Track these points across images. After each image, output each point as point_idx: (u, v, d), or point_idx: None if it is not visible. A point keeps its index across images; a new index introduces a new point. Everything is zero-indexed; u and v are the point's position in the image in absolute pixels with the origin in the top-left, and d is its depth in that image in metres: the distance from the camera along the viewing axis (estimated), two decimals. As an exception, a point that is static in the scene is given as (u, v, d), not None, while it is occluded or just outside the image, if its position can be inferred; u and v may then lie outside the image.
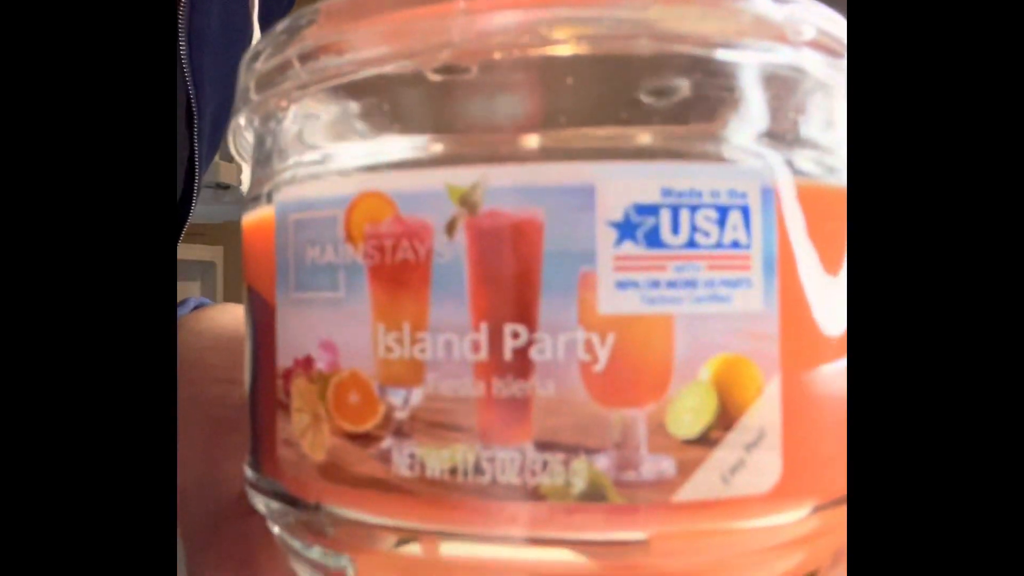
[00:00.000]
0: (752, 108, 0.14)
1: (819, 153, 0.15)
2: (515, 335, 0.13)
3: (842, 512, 0.16)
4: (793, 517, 0.14)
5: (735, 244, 0.13)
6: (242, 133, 0.18)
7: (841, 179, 0.15)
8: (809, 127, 0.15)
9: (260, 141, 0.18)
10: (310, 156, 0.16)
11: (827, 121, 0.15)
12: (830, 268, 0.14)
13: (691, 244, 0.13)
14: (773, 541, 0.14)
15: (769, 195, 0.13)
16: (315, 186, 0.15)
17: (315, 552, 0.16)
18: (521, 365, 0.13)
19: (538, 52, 0.14)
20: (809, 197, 0.14)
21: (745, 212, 0.13)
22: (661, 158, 0.13)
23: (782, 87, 0.14)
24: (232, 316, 0.25)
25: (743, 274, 0.13)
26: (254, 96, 0.17)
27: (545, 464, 0.13)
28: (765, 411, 0.13)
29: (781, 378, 0.13)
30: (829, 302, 0.14)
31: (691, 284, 0.13)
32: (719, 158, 0.13)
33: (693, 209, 0.13)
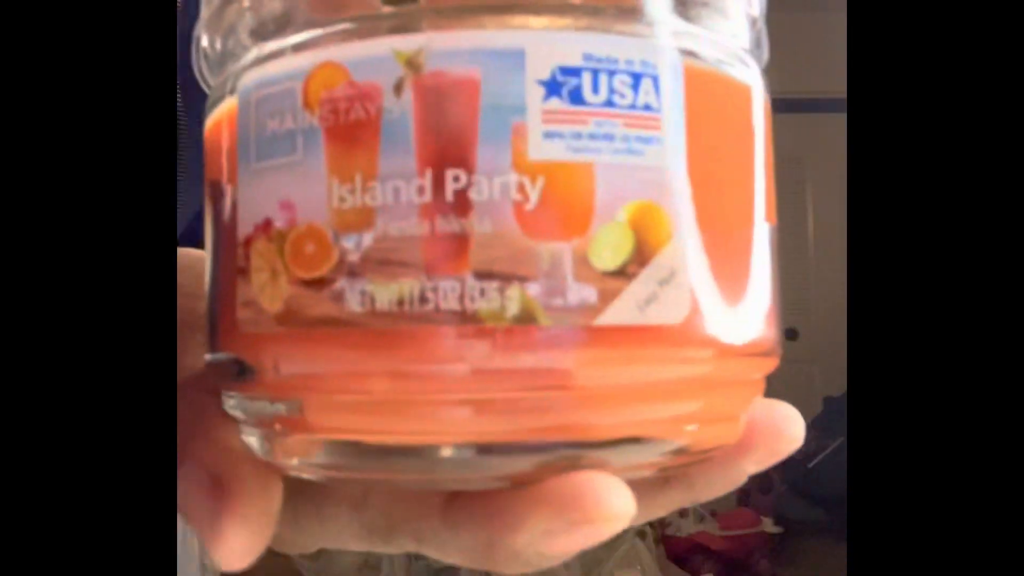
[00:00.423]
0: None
1: (719, 49, 0.17)
2: (456, 179, 0.15)
3: (746, 365, 0.18)
4: (699, 355, 0.16)
5: (647, 107, 0.15)
6: (204, 54, 0.19)
7: (736, 74, 0.17)
8: (712, 16, 0.17)
9: (220, 49, 0.19)
10: (269, 44, 0.17)
11: (724, 14, 0.18)
12: (732, 131, 0.17)
13: (609, 103, 0.15)
14: (681, 374, 0.16)
15: (677, 69, 0.16)
16: (275, 64, 0.16)
17: (264, 405, 0.17)
18: (461, 205, 0.15)
19: None
20: (707, 79, 0.17)
21: (655, 80, 0.16)
22: (584, 29, 0.15)
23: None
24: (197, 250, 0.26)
25: (654, 133, 0.15)
26: (212, 9, 0.18)
27: (482, 291, 0.15)
28: (674, 254, 0.16)
29: (688, 226, 0.16)
30: (732, 158, 0.17)
31: (609, 137, 0.15)
32: (635, 32, 0.15)
33: (611, 73, 0.15)
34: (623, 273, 0.15)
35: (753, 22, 0.19)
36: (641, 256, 0.15)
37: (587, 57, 0.15)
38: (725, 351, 0.17)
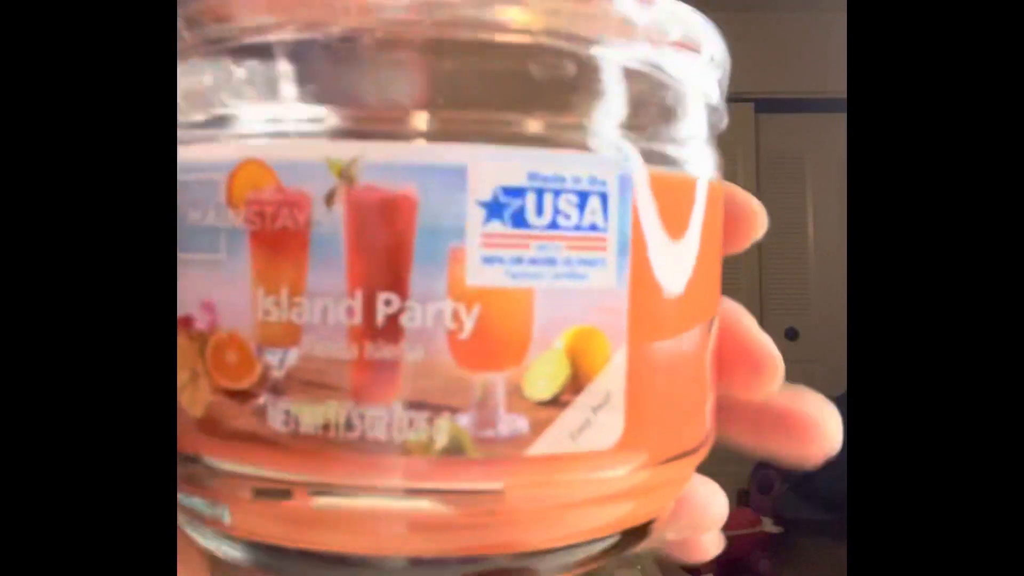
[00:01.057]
0: (614, 102, 0.16)
1: (671, 145, 0.16)
2: (387, 303, 0.14)
3: (677, 467, 0.17)
4: (631, 470, 0.16)
5: (593, 227, 0.15)
6: None
7: (688, 169, 0.17)
8: (665, 121, 0.17)
9: None
10: (196, 118, 0.16)
11: (680, 116, 0.17)
12: (675, 236, 0.16)
13: (553, 225, 0.15)
14: (613, 490, 0.16)
15: (626, 183, 0.15)
16: (199, 149, 0.16)
17: (196, 502, 0.17)
18: (392, 331, 0.14)
19: (422, 35, 0.15)
20: (660, 184, 0.16)
21: (603, 198, 0.15)
22: (530, 144, 0.14)
23: (643, 84, 0.16)
24: None
25: (599, 254, 0.15)
26: None
27: (411, 421, 0.14)
28: (611, 377, 0.15)
29: (627, 347, 0.15)
30: (672, 267, 0.16)
31: (551, 262, 0.15)
32: (583, 147, 0.15)
33: (556, 193, 0.15)
34: (556, 402, 0.15)
35: (712, 111, 0.19)
36: (576, 383, 0.15)
37: (532, 176, 0.14)
38: (659, 459, 0.17)
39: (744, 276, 3.18)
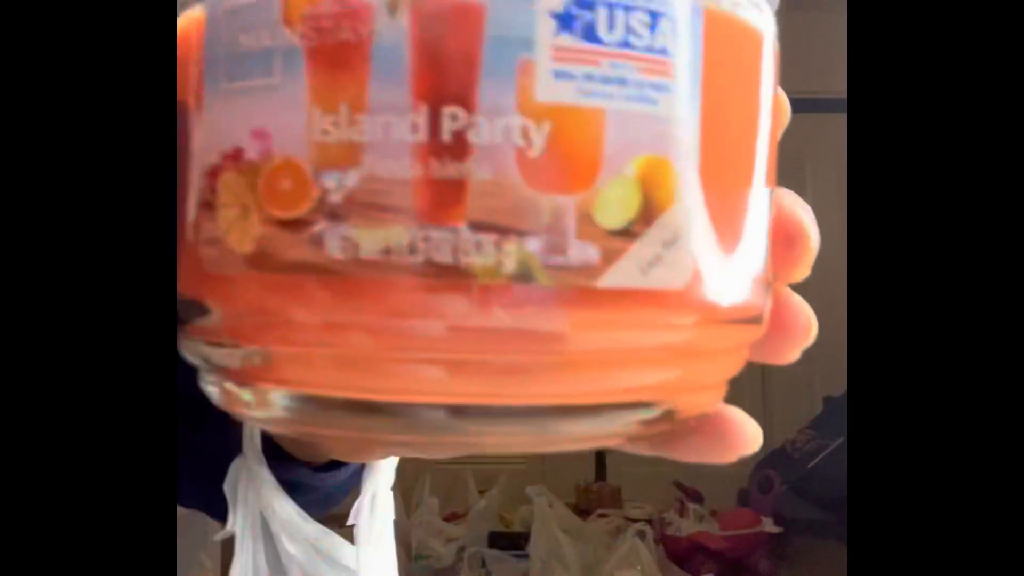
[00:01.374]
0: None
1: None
2: (454, 117, 0.14)
3: (739, 332, 0.17)
4: (696, 320, 0.15)
5: (664, 50, 0.14)
6: None
7: (757, 25, 0.16)
8: None
9: None
10: None
11: None
12: (746, 90, 0.16)
13: (625, 44, 0.14)
14: (678, 339, 0.15)
15: (697, 13, 0.14)
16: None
17: (227, 352, 0.16)
18: (458, 147, 0.14)
19: None
20: (735, 30, 0.15)
21: (674, 22, 0.14)
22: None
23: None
24: None
25: (670, 80, 0.14)
26: None
27: (478, 244, 0.14)
28: (682, 213, 0.14)
29: (695, 186, 0.15)
30: (742, 119, 0.15)
31: (622, 82, 0.14)
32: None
33: (627, 10, 0.14)
34: (628, 232, 0.14)
35: None
36: (647, 215, 0.14)
37: (606, -10, 0.14)
38: (720, 316, 0.16)
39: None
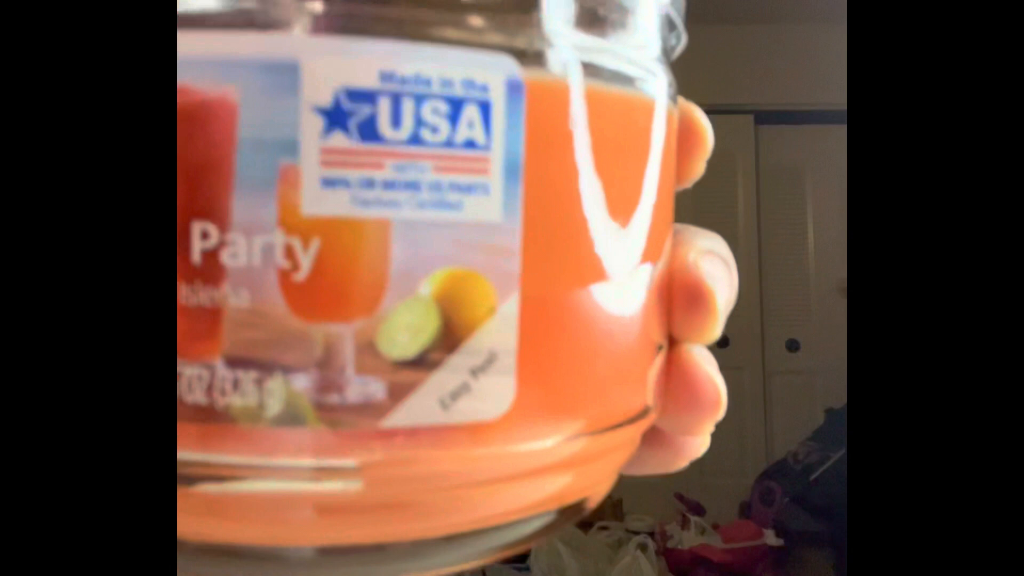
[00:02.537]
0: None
1: (616, 58, 0.13)
2: (204, 235, 0.11)
3: (602, 440, 0.15)
4: (533, 446, 0.13)
5: (470, 144, 0.12)
6: None
7: (640, 88, 0.14)
8: (611, 27, 0.14)
9: None
10: None
11: (630, 23, 0.14)
12: (613, 162, 0.13)
13: (416, 140, 0.12)
14: (508, 471, 0.13)
15: (517, 88, 0.12)
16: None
17: None
18: (211, 270, 0.11)
19: None
20: (597, 99, 0.13)
21: (485, 108, 0.12)
22: (382, 35, 0.11)
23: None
24: None
25: (479, 178, 0.12)
26: None
27: (236, 382, 0.11)
28: (497, 332, 0.12)
29: (521, 296, 0.12)
30: (603, 201, 0.13)
31: (413, 186, 0.12)
32: (456, 41, 0.12)
33: (419, 99, 0.12)
34: (422, 362, 0.12)
35: (669, 25, 0.16)
36: (449, 340, 0.12)
37: (386, 76, 0.11)
38: (574, 431, 0.14)
39: (744, 287, 3.16)
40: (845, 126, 0.20)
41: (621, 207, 0.15)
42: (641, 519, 2.60)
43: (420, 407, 0.12)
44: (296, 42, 0.11)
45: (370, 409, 0.12)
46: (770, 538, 2.38)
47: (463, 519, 0.14)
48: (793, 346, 3.06)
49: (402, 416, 0.12)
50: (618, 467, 0.17)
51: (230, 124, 0.11)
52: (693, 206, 3.12)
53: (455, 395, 0.12)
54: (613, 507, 2.71)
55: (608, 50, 0.14)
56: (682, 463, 0.19)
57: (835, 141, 2.95)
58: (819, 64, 2.94)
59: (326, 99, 0.12)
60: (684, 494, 2.58)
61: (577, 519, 0.16)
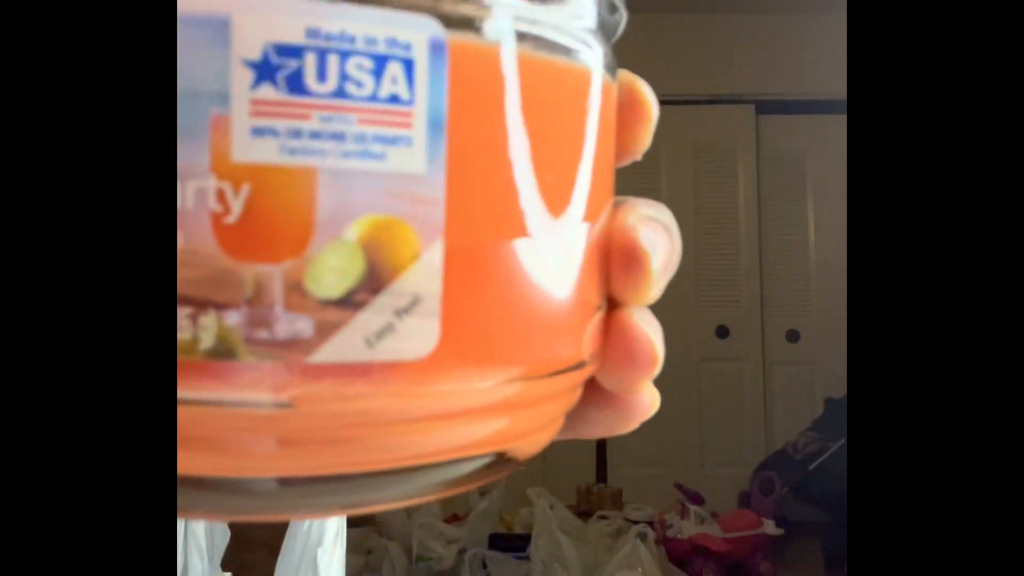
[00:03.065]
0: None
1: (551, 28, 0.14)
2: (141, 179, 0.12)
3: (536, 387, 0.15)
4: (457, 387, 0.14)
5: (394, 98, 0.13)
6: None
7: (575, 59, 0.15)
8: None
9: None
10: None
11: None
12: (546, 126, 0.14)
13: (341, 94, 0.12)
14: (438, 410, 0.14)
15: (439, 49, 0.13)
16: None
17: None
18: (148, 212, 0.12)
19: None
20: (528, 66, 0.14)
21: (408, 65, 0.13)
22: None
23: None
24: None
25: (402, 131, 0.13)
26: None
27: (170, 318, 0.12)
28: (422, 277, 0.13)
29: (445, 243, 0.13)
30: (532, 160, 0.14)
31: (338, 137, 0.12)
32: (383, 3, 0.13)
33: (344, 55, 0.12)
34: (348, 302, 0.13)
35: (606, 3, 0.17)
36: (373, 282, 0.13)
37: (312, 33, 0.12)
38: (505, 376, 0.14)
39: (744, 278, 3.18)
40: (845, 116, 0.20)
41: (551, 168, 0.15)
42: (640, 508, 2.60)
43: (345, 344, 0.13)
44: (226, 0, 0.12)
45: (297, 345, 0.13)
46: (769, 527, 2.39)
47: (399, 455, 0.14)
48: (793, 336, 3.07)
49: (328, 353, 0.13)
50: (555, 420, 0.18)
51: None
52: (694, 195, 3.12)
53: (380, 334, 0.13)
54: (613, 497, 2.72)
55: (540, 19, 0.15)
56: (633, 423, 0.20)
57: (836, 131, 2.95)
58: (820, 54, 2.94)
59: (255, 53, 0.12)
60: (683, 484, 2.59)
61: (514, 468, 0.17)
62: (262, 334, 0.13)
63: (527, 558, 2.28)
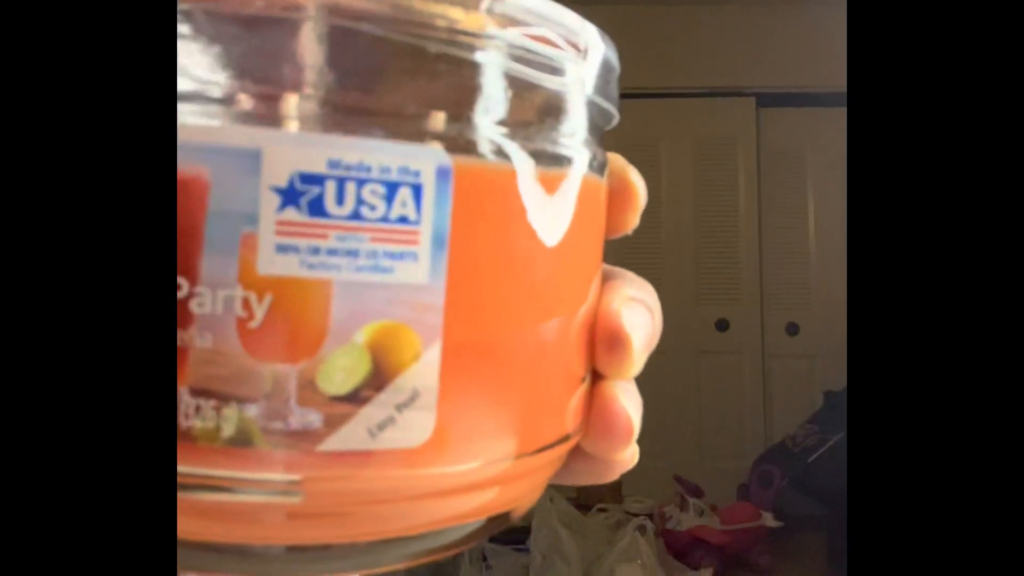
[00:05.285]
0: (440, 87, 0.15)
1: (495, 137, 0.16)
2: (178, 287, 0.14)
3: (524, 463, 0.17)
4: (450, 469, 0.15)
5: (403, 219, 0.14)
6: None
7: (561, 164, 0.17)
8: (543, 119, 0.16)
9: None
10: None
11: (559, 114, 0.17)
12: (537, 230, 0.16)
13: (355, 216, 0.14)
14: (433, 488, 0.15)
15: (445, 174, 0.15)
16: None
17: None
18: (182, 316, 0.14)
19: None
20: (486, 178, 0.16)
21: (416, 190, 0.15)
22: (332, 130, 0.14)
23: (460, 74, 0.15)
24: None
25: (408, 248, 0.14)
26: None
27: (198, 408, 0.14)
28: (421, 374, 0.15)
29: (443, 345, 0.15)
30: (519, 263, 0.16)
31: (352, 253, 0.14)
32: (394, 135, 0.14)
33: (360, 183, 0.14)
34: (354, 398, 0.14)
35: (597, 109, 0.18)
36: (377, 380, 0.15)
37: (333, 164, 0.14)
38: (492, 457, 0.16)
39: (744, 271, 3.19)
40: (846, 109, 0.20)
41: (542, 268, 0.17)
42: (640, 501, 2.62)
43: (351, 435, 0.15)
44: (260, 134, 0.14)
45: (308, 435, 0.15)
46: (768, 520, 2.40)
47: (395, 527, 0.16)
48: (792, 330, 3.09)
49: (335, 442, 0.15)
50: (543, 483, 0.20)
51: (202, 198, 0.14)
52: (693, 188, 3.13)
53: (382, 426, 0.15)
54: (612, 489, 2.73)
55: (531, 137, 0.17)
56: (613, 475, 0.21)
57: (836, 124, 2.94)
58: (821, 47, 2.92)
59: (282, 181, 0.14)
60: (683, 476, 2.61)
61: (507, 526, 0.19)
62: (277, 425, 0.15)
63: (527, 550, 2.29)
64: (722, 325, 3.05)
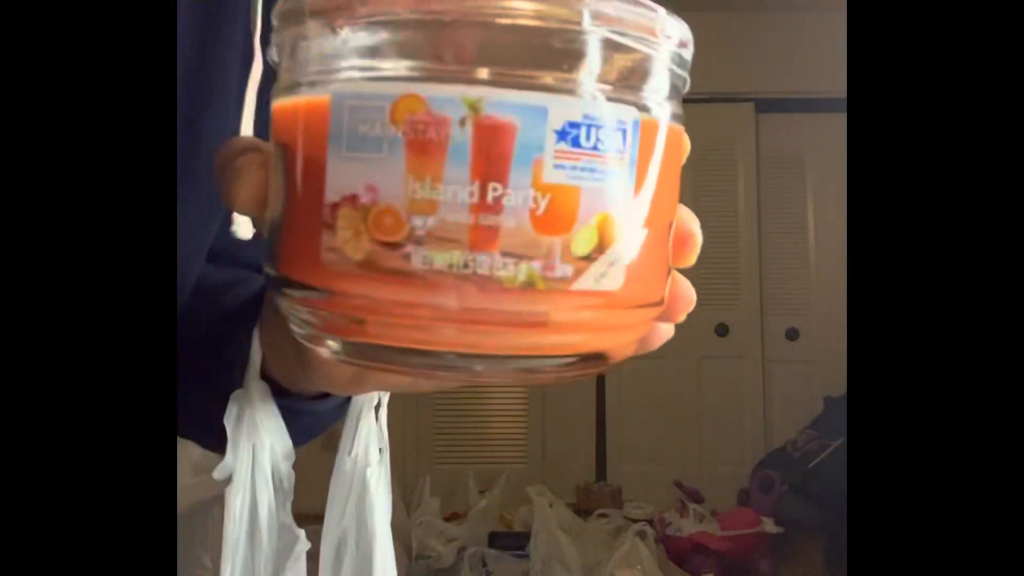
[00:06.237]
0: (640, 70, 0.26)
1: (647, 98, 0.27)
2: (495, 189, 0.25)
3: (647, 312, 0.28)
4: (629, 307, 0.26)
5: (618, 151, 0.25)
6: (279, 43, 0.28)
7: (656, 115, 0.28)
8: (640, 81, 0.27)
9: (293, 49, 0.28)
10: (360, 63, 0.26)
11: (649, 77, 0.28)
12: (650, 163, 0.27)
13: (595, 148, 0.25)
14: (621, 321, 0.26)
15: (636, 124, 0.26)
16: (369, 85, 0.26)
17: (335, 317, 0.27)
18: (496, 207, 0.25)
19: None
20: (649, 127, 0.27)
21: (624, 133, 0.25)
22: (582, 96, 0.25)
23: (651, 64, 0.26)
24: None
25: (620, 168, 0.25)
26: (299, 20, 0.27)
27: (504, 264, 0.25)
28: (619, 248, 0.26)
29: (629, 230, 0.26)
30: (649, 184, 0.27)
31: (592, 170, 0.25)
32: (615, 101, 0.25)
33: (599, 127, 0.25)
34: (588, 258, 0.25)
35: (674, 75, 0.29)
36: (600, 247, 0.25)
37: (585, 117, 0.25)
38: (641, 303, 0.27)
39: (744, 276, 3.29)
40: (845, 114, 0.21)
41: (663, 183, 0.28)
42: (640, 507, 2.67)
43: (587, 280, 0.26)
44: (547, 98, 0.25)
45: (565, 280, 0.25)
46: (768, 525, 2.49)
47: (590, 347, 0.27)
48: (792, 335, 3.21)
49: (579, 284, 0.25)
50: (639, 335, 0.31)
51: (512, 136, 0.25)
52: (694, 194, 3.22)
53: (600, 277, 0.26)
54: (612, 495, 2.79)
55: (661, 102, 0.28)
56: (656, 343, 0.31)
57: (835, 129, 3.01)
58: (820, 52, 3.00)
59: (558, 126, 0.25)
60: (683, 482, 2.69)
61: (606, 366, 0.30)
62: (549, 273, 0.25)
63: (527, 556, 2.38)
64: (722, 330, 3.17)
